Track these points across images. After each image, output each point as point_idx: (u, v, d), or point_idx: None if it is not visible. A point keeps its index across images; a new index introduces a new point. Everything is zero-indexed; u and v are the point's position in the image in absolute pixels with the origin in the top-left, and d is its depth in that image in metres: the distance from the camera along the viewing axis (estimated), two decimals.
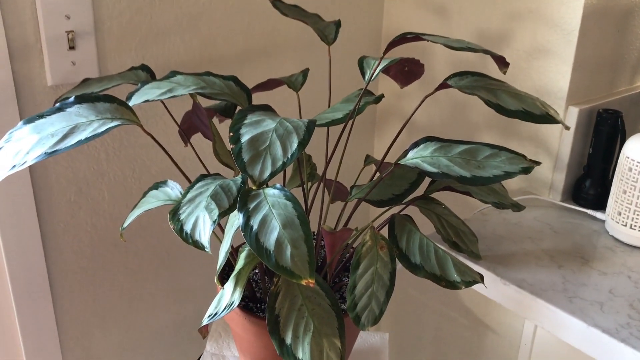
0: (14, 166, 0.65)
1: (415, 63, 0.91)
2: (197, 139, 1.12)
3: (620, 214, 0.98)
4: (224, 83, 0.80)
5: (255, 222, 0.63)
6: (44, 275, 1.02)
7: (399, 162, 0.77)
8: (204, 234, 0.65)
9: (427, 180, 0.92)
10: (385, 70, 0.91)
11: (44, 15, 0.91)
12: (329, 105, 0.91)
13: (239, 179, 0.71)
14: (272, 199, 0.65)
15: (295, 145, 0.65)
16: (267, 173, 0.63)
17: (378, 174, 0.88)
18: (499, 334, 1.27)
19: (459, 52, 1.21)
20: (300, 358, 0.68)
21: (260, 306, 0.83)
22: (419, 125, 1.35)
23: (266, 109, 0.73)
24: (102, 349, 1.15)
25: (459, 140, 0.79)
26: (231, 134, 0.66)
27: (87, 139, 0.66)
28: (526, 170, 0.75)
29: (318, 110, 1.30)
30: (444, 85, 0.79)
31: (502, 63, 0.79)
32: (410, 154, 0.78)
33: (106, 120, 0.69)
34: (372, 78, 0.86)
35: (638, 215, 0.95)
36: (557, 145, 1.11)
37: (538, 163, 0.77)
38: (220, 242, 0.75)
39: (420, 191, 0.91)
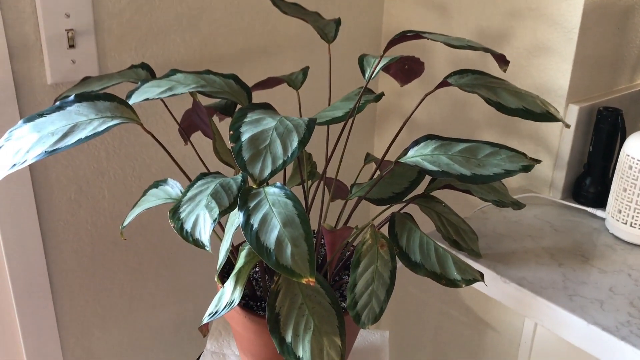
0: (14, 165, 0.65)
1: (415, 61, 0.91)
2: (197, 137, 1.12)
3: (620, 212, 0.98)
4: (224, 81, 0.80)
5: (255, 221, 0.63)
6: (44, 274, 1.02)
7: (399, 160, 0.77)
8: (204, 233, 0.65)
9: (428, 178, 0.92)
10: (386, 69, 0.91)
11: (43, 13, 0.91)
12: (329, 104, 0.91)
13: (239, 177, 0.71)
14: (273, 198, 0.65)
15: (295, 143, 0.65)
16: (268, 172, 0.63)
17: (378, 172, 0.88)
18: (499, 332, 1.27)
19: (459, 50, 1.21)
20: (300, 356, 0.69)
21: (261, 304, 0.84)
22: (419, 123, 1.35)
23: (266, 107, 0.73)
24: (102, 347, 1.15)
25: (459, 138, 0.79)
26: (231, 132, 0.66)
27: (87, 138, 0.66)
28: (526, 169, 0.75)
29: (318, 108, 1.30)
30: (444, 84, 0.79)
31: (502, 61, 0.79)
32: (411, 153, 0.78)
33: (106, 119, 0.69)
34: (372, 76, 0.86)
35: (638, 213, 0.95)
36: (557, 143, 1.11)
37: (538, 161, 0.77)
38: (221, 240, 0.75)
39: (420, 189, 0.91)
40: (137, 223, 1.12)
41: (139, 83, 0.77)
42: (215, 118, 0.98)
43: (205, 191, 0.69)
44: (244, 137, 0.66)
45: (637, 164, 0.94)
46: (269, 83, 0.95)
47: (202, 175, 0.73)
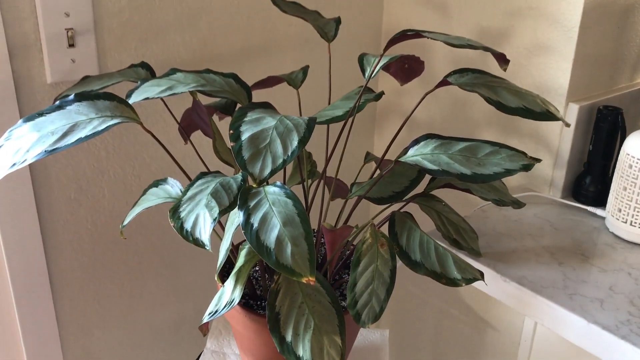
0: (14, 164, 0.64)
1: (415, 60, 0.91)
2: (197, 136, 1.12)
3: (620, 210, 0.98)
4: (224, 80, 0.80)
5: (255, 220, 0.63)
6: (44, 273, 1.02)
7: (399, 159, 0.77)
8: (204, 232, 0.65)
9: (428, 177, 0.92)
10: (386, 68, 0.91)
11: (43, 12, 0.91)
12: (329, 103, 0.91)
13: (239, 176, 0.71)
14: (273, 197, 0.65)
15: (295, 143, 0.65)
16: (268, 171, 0.63)
17: (378, 171, 0.88)
18: (499, 331, 1.27)
19: (459, 49, 1.21)
20: (300, 355, 0.69)
21: (261, 304, 0.84)
22: (419, 122, 1.35)
23: (266, 106, 0.73)
24: (102, 347, 1.15)
25: (460, 137, 0.79)
26: (231, 131, 0.66)
27: (87, 137, 0.66)
28: (526, 168, 0.75)
29: (318, 107, 1.30)
30: (444, 83, 0.79)
31: (502, 60, 0.79)
32: (411, 152, 0.78)
33: (106, 118, 0.69)
34: (372, 75, 0.86)
35: (638, 212, 0.95)
36: (557, 142, 1.11)
37: (538, 160, 0.77)
38: (221, 239, 0.75)
39: (420, 188, 0.91)
40: (137, 222, 1.12)
41: (139, 82, 0.77)
42: (215, 117, 0.98)
43: (205, 190, 0.69)
44: (244, 136, 0.66)
45: (637, 162, 0.94)
46: (269, 82, 0.95)
47: (202, 175, 0.73)
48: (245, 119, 0.68)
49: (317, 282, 0.73)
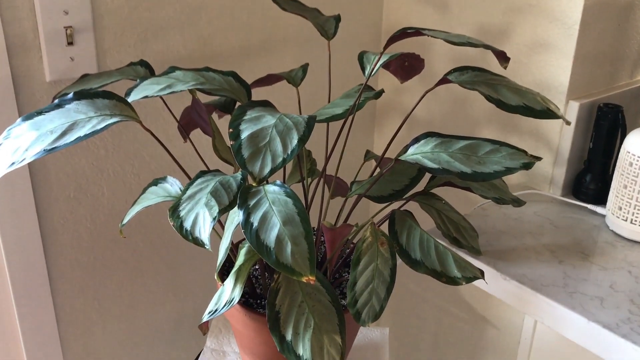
0: (13, 163, 0.64)
1: (415, 58, 0.91)
2: (197, 135, 1.12)
3: (620, 208, 0.98)
4: (224, 78, 0.80)
5: (255, 219, 0.63)
6: (43, 271, 1.02)
7: (399, 157, 0.77)
8: (204, 231, 0.65)
9: (428, 175, 0.92)
10: (386, 66, 0.91)
11: (42, 10, 0.90)
12: (329, 101, 0.91)
13: (238, 175, 0.71)
14: (273, 196, 0.65)
15: (295, 141, 0.65)
16: (267, 169, 0.63)
17: (378, 169, 0.88)
18: (499, 329, 1.27)
19: (459, 47, 1.21)
20: (300, 354, 0.68)
21: (261, 302, 0.83)
22: (419, 120, 1.35)
23: (266, 104, 0.73)
24: (102, 345, 1.15)
25: (460, 135, 0.78)
26: (231, 130, 0.66)
27: (86, 136, 0.66)
28: (527, 166, 0.75)
29: (318, 105, 1.30)
30: (444, 81, 0.79)
31: (502, 58, 0.79)
32: (411, 150, 0.78)
33: (105, 117, 0.68)
34: (372, 73, 0.86)
35: (639, 210, 0.95)
36: (557, 140, 1.11)
37: (539, 158, 0.76)
38: (220, 238, 0.75)
39: (420, 187, 0.91)
40: (136, 221, 1.11)
41: (138, 80, 0.77)
42: (214, 115, 0.97)
43: (204, 189, 0.69)
44: (244, 134, 0.66)
45: (637, 160, 0.94)
46: (269, 80, 0.95)
47: (201, 173, 0.73)
48: (245, 118, 0.68)
49: (317, 281, 0.73)
